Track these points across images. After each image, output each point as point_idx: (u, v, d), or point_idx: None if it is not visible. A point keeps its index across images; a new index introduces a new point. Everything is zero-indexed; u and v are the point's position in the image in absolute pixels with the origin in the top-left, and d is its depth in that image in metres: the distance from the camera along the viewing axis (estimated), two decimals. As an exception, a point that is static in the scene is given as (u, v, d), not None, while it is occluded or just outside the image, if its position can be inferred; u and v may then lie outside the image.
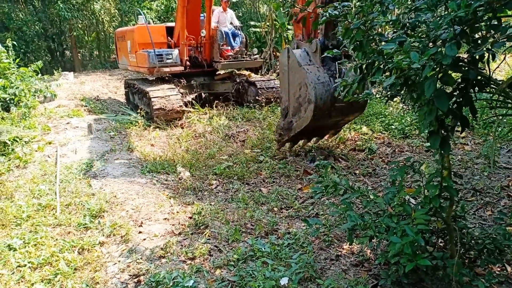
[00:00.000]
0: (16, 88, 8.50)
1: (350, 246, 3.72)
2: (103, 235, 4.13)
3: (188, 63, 9.44)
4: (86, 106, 10.54)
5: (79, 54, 21.92)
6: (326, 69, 5.64)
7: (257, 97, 9.67)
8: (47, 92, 9.84)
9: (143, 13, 11.64)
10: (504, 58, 3.13)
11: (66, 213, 4.61)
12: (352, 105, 5.52)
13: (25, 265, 3.59)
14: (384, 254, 3.03)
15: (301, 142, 6.75)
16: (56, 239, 4.05)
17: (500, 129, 6.25)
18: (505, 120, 6.26)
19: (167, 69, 8.99)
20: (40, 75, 9.60)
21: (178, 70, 9.18)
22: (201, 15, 9.63)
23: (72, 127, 8.36)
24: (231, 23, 10.55)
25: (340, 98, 5.11)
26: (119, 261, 3.68)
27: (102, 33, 21.48)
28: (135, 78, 11.29)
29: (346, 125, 6.87)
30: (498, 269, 3.20)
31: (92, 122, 8.25)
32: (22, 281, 3.43)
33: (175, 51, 9.16)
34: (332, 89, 5.48)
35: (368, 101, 8.37)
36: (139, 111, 9.28)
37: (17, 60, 8.90)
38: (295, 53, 5.74)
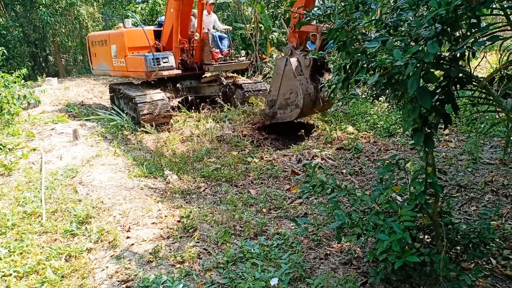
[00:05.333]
0: (-1, 95, 8.35)
1: (338, 245, 3.75)
2: (91, 241, 4.08)
3: (180, 66, 9.41)
4: (71, 111, 10.41)
5: (62, 60, 21.64)
6: (312, 81, 6.98)
7: (244, 100, 9.67)
8: (31, 98, 9.67)
9: (136, 16, 11.50)
10: (484, 56, 3.20)
11: (52, 220, 4.55)
12: (323, 107, 7.52)
13: (10, 274, 3.52)
14: (372, 252, 3.06)
15: None
16: (42, 246, 3.99)
17: (482, 126, 6.36)
18: (487, 117, 6.37)
19: (165, 73, 8.89)
20: (23, 81, 9.42)
21: (175, 73, 9.11)
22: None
23: (57, 133, 8.24)
24: (214, 27, 10.58)
25: (317, 104, 7.21)
26: (107, 267, 3.63)
27: (86, 38, 21.24)
28: (120, 82, 11.17)
29: (332, 125, 7.78)
30: (484, 263, 3.26)
31: (77, 128, 8.15)
32: (7, 291, 3.36)
33: (171, 55, 9.10)
34: (314, 98, 7.09)
35: (354, 101, 8.52)
36: (124, 116, 9.19)
37: None
38: (292, 64, 6.93)
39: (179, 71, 9.17)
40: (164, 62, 8.84)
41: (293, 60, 6.96)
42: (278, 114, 7.38)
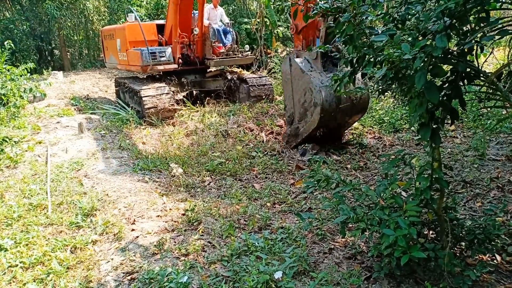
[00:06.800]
0: (5, 88, 8.39)
1: (343, 239, 3.75)
2: (96, 234, 4.11)
3: (180, 60, 9.39)
4: (76, 105, 10.44)
5: (68, 53, 21.66)
6: (328, 73, 5.86)
7: (249, 94, 9.66)
8: (37, 91, 9.72)
9: (135, 10, 11.54)
10: (492, 52, 3.17)
11: (58, 212, 4.58)
12: (354, 106, 5.95)
13: (16, 265, 3.56)
14: (377, 247, 3.06)
15: None
16: (48, 238, 4.02)
17: (489, 122, 6.32)
18: (494, 113, 6.33)
19: (160, 67, 8.92)
20: (29, 74, 9.47)
21: (172, 68, 9.11)
22: (193, 12, 9.60)
23: (62, 126, 8.27)
24: (221, 20, 10.52)
25: (343, 100, 5.82)
26: (112, 259, 3.66)
27: (91, 32, 21.25)
28: (125, 76, 11.21)
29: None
30: (489, 259, 3.25)
31: (83, 121, 8.18)
32: (14, 281, 3.39)
33: (168, 49, 9.10)
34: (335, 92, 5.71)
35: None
36: (129, 109, 9.22)
37: (3, 58, 8.76)
38: (297, 61, 6.00)
39: (175, 66, 9.16)
40: (160, 57, 8.85)
41: (298, 59, 6.12)
42: (301, 127, 6.21)
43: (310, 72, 5.89)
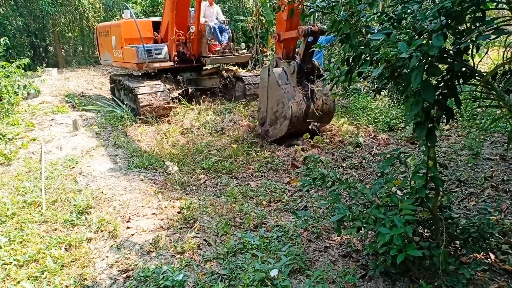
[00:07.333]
0: (-1, 84, 8.34)
1: (338, 238, 3.76)
2: (91, 231, 4.09)
3: (176, 58, 9.36)
4: (71, 102, 10.39)
5: (62, 50, 21.53)
6: (301, 89, 6.46)
7: (245, 92, 9.66)
8: (31, 88, 9.65)
9: (130, 7, 11.50)
10: (487, 52, 3.18)
11: (52, 210, 4.55)
12: (321, 119, 6.61)
13: (10, 263, 3.53)
14: (372, 245, 3.07)
15: None
16: (42, 236, 3.99)
17: (483, 121, 6.36)
18: (489, 112, 6.37)
19: (156, 65, 8.89)
20: (23, 71, 9.40)
21: (168, 65, 9.08)
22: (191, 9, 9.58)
23: (57, 123, 8.23)
24: (217, 18, 10.51)
25: (310, 116, 6.43)
26: (107, 256, 3.64)
27: (86, 29, 21.12)
28: (120, 73, 11.16)
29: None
30: (483, 257, 3.27)
31: (77, 118, 8.13)
32: (7, 279, 3.37)
33: (165, 47, 9.06)
34: (305, 107, 6.37)
35: (355, 96, 8.49)
36: (124, 107, 9.18)
37: None
38: (275, 73, 6.46)
39: (171, 63, 9.12)
40: (156, 54, 8.83)
41: (276, 69, 6.53)
42: (270, 131, 6.77)
43: (285, 85, 6.38)
